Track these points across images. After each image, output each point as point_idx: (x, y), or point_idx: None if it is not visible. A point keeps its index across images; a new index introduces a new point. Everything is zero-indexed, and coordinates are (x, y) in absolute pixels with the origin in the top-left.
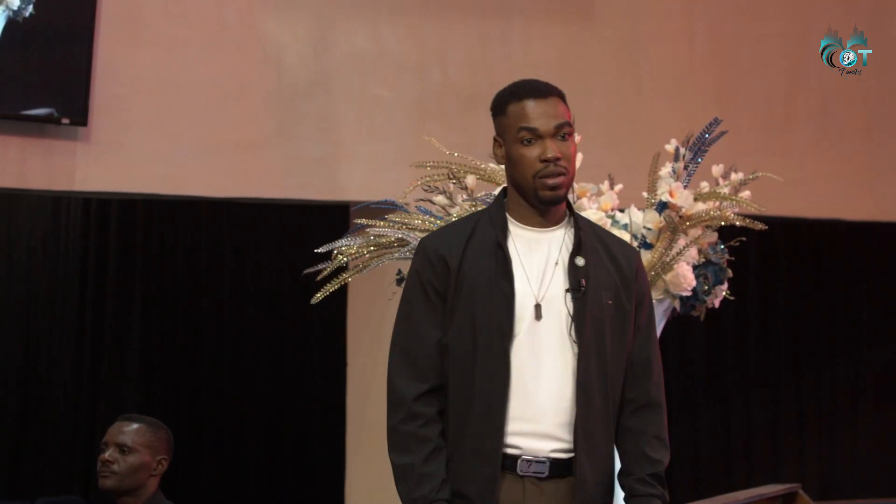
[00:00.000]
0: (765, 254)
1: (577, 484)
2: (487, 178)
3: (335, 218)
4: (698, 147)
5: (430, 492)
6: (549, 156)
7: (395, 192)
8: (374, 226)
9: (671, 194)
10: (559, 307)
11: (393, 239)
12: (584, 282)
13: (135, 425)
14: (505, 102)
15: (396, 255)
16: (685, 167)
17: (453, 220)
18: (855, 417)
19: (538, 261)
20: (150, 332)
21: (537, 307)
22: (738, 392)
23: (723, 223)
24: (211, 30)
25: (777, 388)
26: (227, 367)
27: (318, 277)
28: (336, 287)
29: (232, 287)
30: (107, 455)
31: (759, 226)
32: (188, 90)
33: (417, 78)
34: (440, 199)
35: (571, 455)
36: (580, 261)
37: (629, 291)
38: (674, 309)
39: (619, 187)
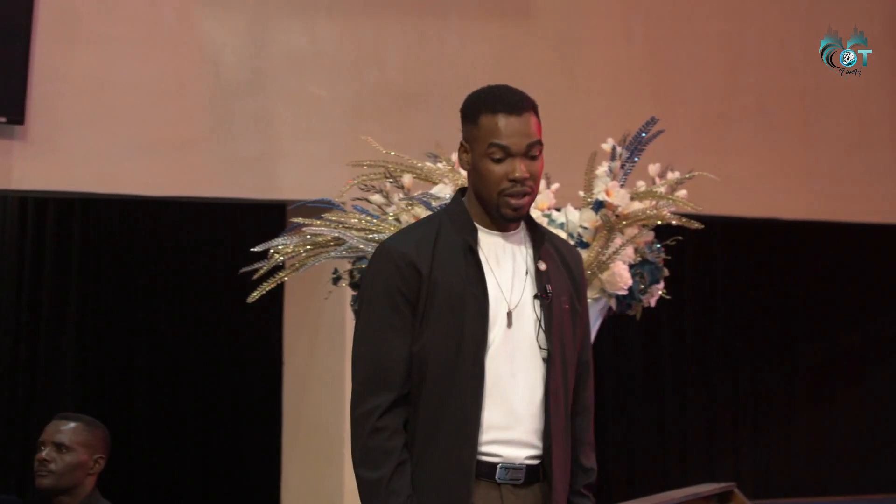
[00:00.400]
0: (701, 253)
1: (553, 490)
2: (424, 177)
3: (271, 217)
4: (635, 146)
5: None
6: (517, 176)
7: (331, 191)
8: (311, 225)
9: (608, 193)
10: (528, 313)
11: (329, 238)
12: (549, 287)
13: (72, 424)
14: (478, 111)
15: (333, 254)
16: (622, 166)
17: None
18: (790, 417)
19: (507, 266)
20: (87, 331)
21: (509, 314)
22: (674, 391)
23: (659, 222)
24: (148, 28)
25: (712, 388)
26: (164, 365)
27: (255, 276)
28: (272, 286)
29: (168, 286)
30: (44, 454)
31: (696, 225)
32: (125, 88)
33: (354, 77)
34: (377, 198)
35: (539, 461)
36: (542, 265)
37: (580, 295)
38: (610, 308)
39: (555, 186)
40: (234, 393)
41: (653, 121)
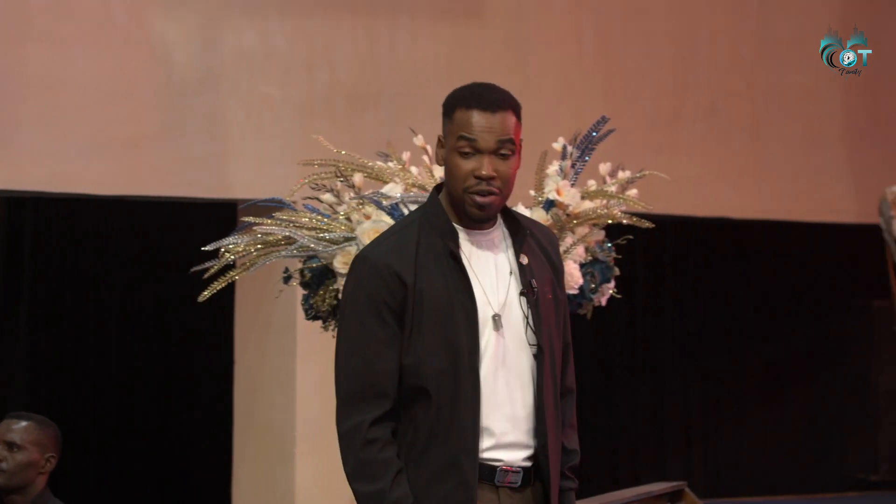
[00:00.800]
0: (652, 252)
1: (549, 490)
2: (375, 176)
3: (222, 216)
4: (586, 145)
5: None
6: (483, 173)
7: (282, 190)
8: (262, 224)
9: (558, 192)
10: (516, 311)
11: (280, 237)
12: (534, 282)
13: (23, 423)
14: (454, 105)
15: (283, 253)
16: (572, 165)
17: (338, 217)
18: (740, 416)
19: (488, 266)
20: (38, 330)
21: (497, 317)
22: (625, 390)
23: (610, 221)
24: (99, 26)
25: (663, 387)
26: (115, 364)
27: (205, 275)
28: (223, 285)
29: (119, 285)
30: None
31: (647, 224)
32: (76, 87)
33: (305, 76)
34: (327, 197)
35: (533, 462)
36: (524, 259)
37: (560, 280)
38: None
39: None
40: (186, 392)
41: (603, 120)
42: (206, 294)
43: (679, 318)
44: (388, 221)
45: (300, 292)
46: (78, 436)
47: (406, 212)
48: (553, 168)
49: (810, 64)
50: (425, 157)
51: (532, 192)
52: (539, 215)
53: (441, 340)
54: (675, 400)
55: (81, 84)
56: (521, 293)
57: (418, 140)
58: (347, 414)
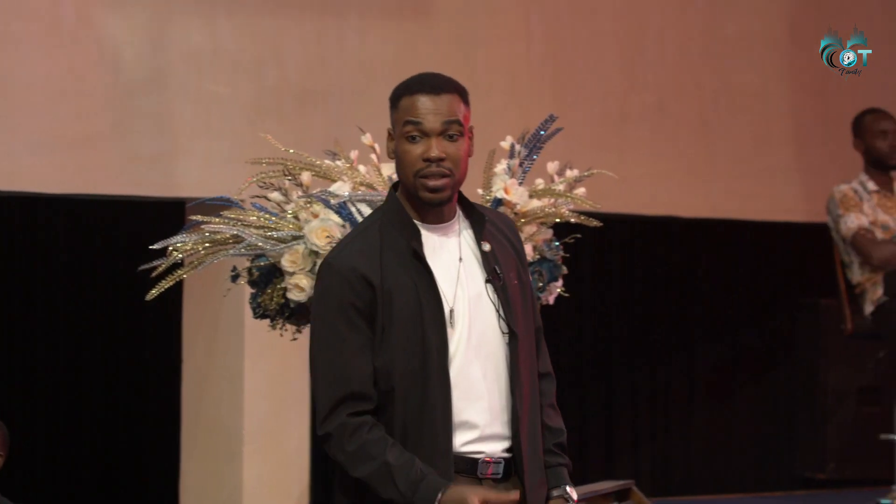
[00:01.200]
0: (600, 251)
1: (528, 479)
2: (323, 174)
3: (171, 214)
4: (534, 144)
5: (416, 472)
6: (432, 155)
7: (230, 188)
8: (210, 222)
9: (506, 191)
10: (485, 301)
11: (228, 236)
12: (499, 269)
13: None
14: (399, 95)
15: (231, 251)
16: (520, 164)
17: (286, 215)
18: (688, 414)
19: (452, 260)
20: None
21: (464, 311)
22: (573, 389)
23: (558, 220)
24: (46, 25)
25: (611, 386)
26: (62, 364)
27: (153, 274)
28: (171, 284)
29: (67, 283)
30: None
31: (594, 223)
32: (23, 85)
33: (254, 75)
34: (275, 195)
35: (511, 454)
36: (486, 246)
37: (524, 265)
38: None
39: None
40: (133, 391)
41: (552, 118)
42: (154, 293)
43: (627, 317)
44: (336, 220)
45: (248, 291)
46: (25, 435)
47: (354, 210)
48: (501, 167)
49: (759, 63)
50: (373, 156)
51: (480, 191)
52: None
53: (410, 340)
54: (623, 398)
55: (29, 83)
56: (487, 280)
57: (366, 138)
58: (330, 421)
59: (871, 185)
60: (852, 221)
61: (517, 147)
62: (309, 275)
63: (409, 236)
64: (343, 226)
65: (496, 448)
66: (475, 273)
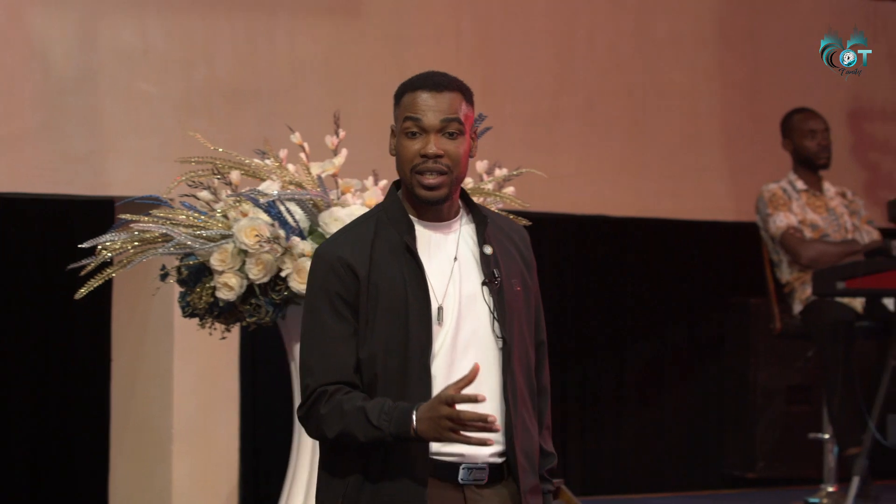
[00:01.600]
0: None
1: (521, 486)
2: (252, 173)
3: (100, 213)
4: None
5: (388, 405)
6: (429, 151)
7: (160, 187)
8: (139, 221)
9: None
10: (479, 303)
11: (157, 234)
12: (497, 272)
13: None
14: (402, 92)
15: (160, 250)
16: None
17: (216, 214)
18: (617, 413)
19: (447, 259)
20: None
21: (452, 312)
22: None
23: None
24: None
25: None
26: None
27: (82, 273)
28: (100, 282)
29: None
30: None
31: (524, 222)
32: None
33: (183, 74)
34: (204, 194)
35: (504, 458)
36: (488, 249)
37: (531, 274)
38: None
39: (383, 183)
40: (62, 390)
41: (481, 117)
42: (83, 291)
43: (556, 316)
44: (265, 219)
45: (177, 290)
46: None
47: (283, 209)
48: None
49: (689, 63)
50: (302, 155)
51: None
52: None
53: (394, 335)
54: (552, 397)
55: None
56: (483, 283)
57: (295, 137)
58: (307, 397)
59: (800, 185)
60: (781, 221)
61: None
62: (238, 273)
63: (403, 231)
64: (272, 224)
65: (479, 452)
66: (471, 273)
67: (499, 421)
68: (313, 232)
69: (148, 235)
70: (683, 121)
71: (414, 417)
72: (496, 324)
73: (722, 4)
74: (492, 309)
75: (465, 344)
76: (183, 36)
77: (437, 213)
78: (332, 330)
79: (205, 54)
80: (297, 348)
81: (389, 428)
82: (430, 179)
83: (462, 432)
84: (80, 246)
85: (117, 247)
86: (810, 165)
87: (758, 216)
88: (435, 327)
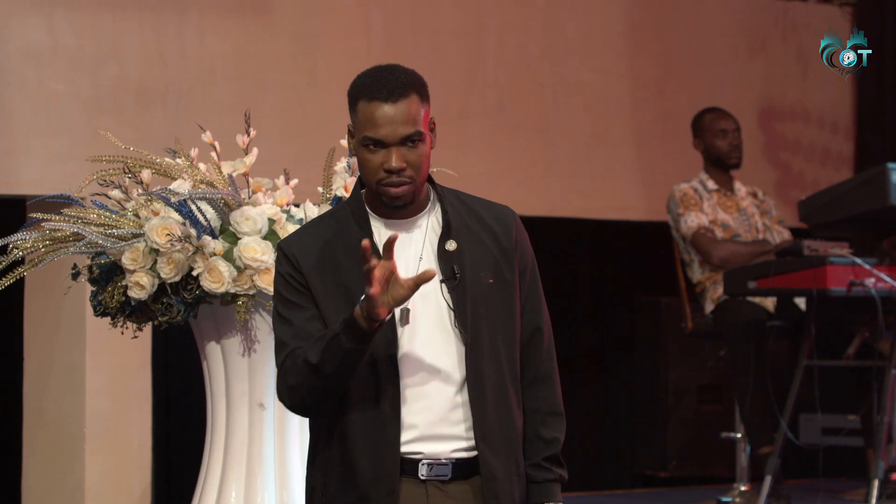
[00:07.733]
0: None
1: (485, 482)
2: (163, 172)
3: (10, 212)
4: None
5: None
6: (392, 166)
7: (70, 186)
8: (50, 220)
9: (346, 189)
10: (437, 300)
11: (68, 233)
12: (457, 268)
13: None
14: (356, 97)
15: (72, 249)
16: None
17: (127, 213)
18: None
19: (407, 256)
20: None
21: (404, 311)
22: None
23: None
24: None
25: None
26: None
27: None
28: (11, 281)
29: None
30: None
31: None
32: None
33: (93, 72)
34: (115, 193)
35: (475, 453)
36: (451, 245)
37: (510, 262)
38: None
39: (294, 182)
40: None
41: None
42: None
43: None
44: (177, 218)
45: (89, 288)
46: None
47: (194, 208)
48: (341, 165)
49: (598, 62)
50: (213, 154)
51: (320, 189)
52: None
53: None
54: None
55: None
56: (442, 280)
57: (206, 136)
58: (282, 369)
59: (711, 185)
60: (692, 220)
61: None
62: (149, 272)
63: (363, 229)
64: (184, 223)
65: (442, 449)
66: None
67: (458, 415)
68: (225, 231)
69: (59, 234)
70: (593, 120)
71: (356, 313)
72: (456, 321)
73: (631, 4)
74: (451, 306)
75: (425, 340)
76: (92, 34)
77: (403, 211)
78: (300, 310)
79: (114, 53)
80: (209, 347)
81: (344, 336)
82: (395, 190)
83: (396, 274)
84: None
85: (28, 245)
86: (721, 165)
87: (669, 216)
88: (399, 329)
